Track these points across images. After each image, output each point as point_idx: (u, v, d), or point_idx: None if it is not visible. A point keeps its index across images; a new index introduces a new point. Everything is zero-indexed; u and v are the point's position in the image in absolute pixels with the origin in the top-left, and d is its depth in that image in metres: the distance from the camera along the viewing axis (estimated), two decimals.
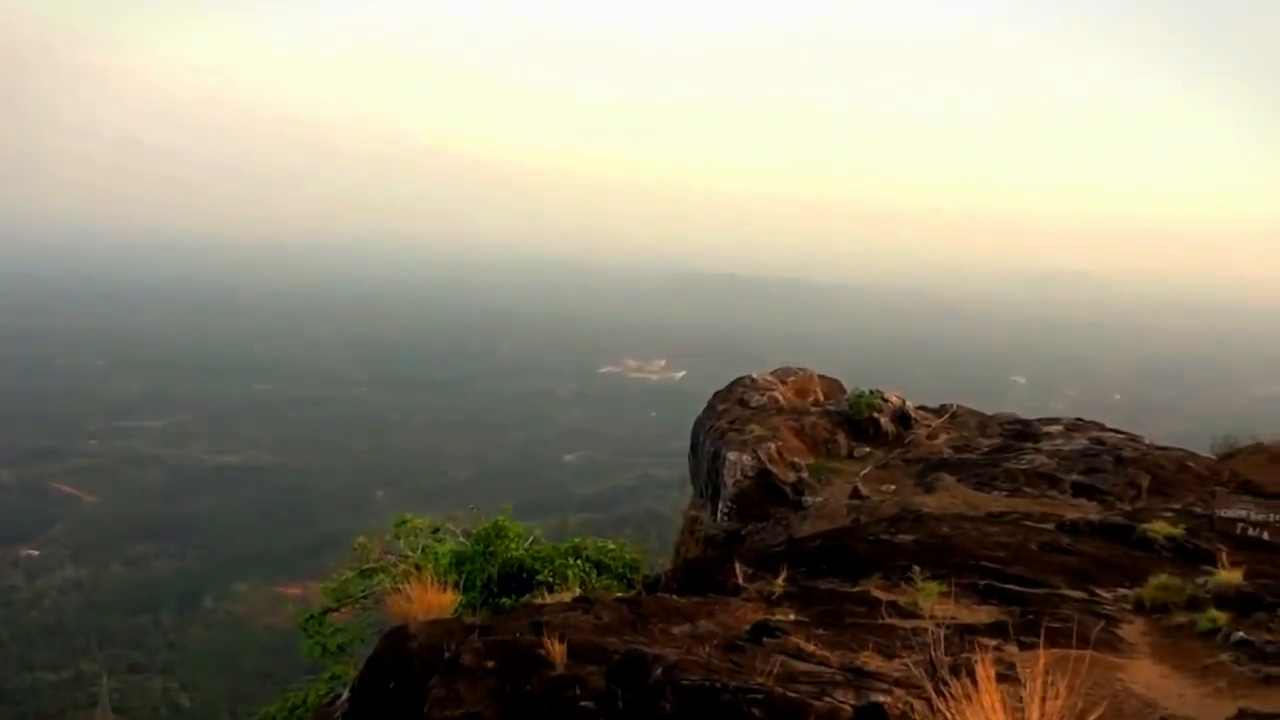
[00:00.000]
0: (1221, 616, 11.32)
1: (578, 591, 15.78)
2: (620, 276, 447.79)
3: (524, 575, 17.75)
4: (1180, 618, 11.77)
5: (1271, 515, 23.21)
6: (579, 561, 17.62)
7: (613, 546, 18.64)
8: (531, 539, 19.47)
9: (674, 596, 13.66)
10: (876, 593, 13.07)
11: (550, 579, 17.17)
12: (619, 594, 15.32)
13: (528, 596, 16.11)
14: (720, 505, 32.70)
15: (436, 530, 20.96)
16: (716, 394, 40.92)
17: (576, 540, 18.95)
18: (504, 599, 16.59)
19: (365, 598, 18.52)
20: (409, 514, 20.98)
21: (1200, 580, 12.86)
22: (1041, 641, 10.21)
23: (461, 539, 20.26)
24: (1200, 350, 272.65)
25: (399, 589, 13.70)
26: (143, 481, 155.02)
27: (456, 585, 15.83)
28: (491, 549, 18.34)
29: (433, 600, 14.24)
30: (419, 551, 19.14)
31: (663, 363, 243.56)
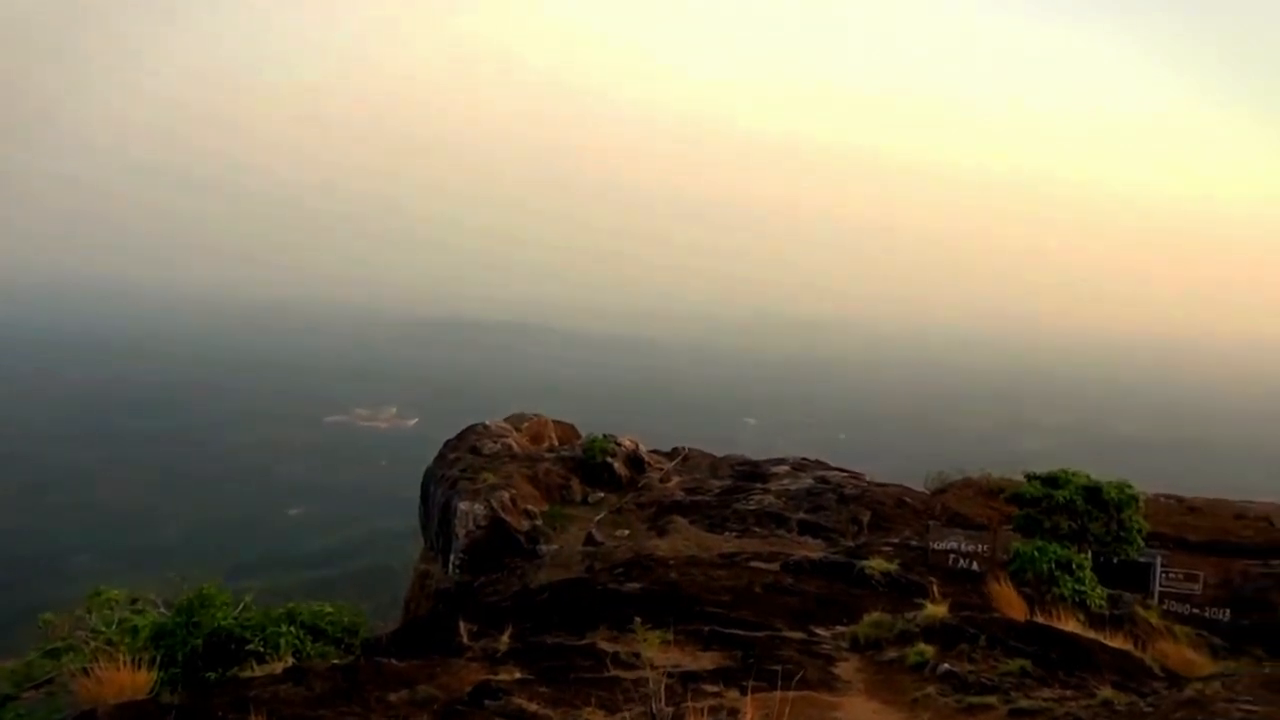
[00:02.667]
0: (929, 650, 11.80)
1: (291, 661, 14.81)
2: (345, 322, 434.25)
3: (232, 646, 16.43)
4: (892, 652, 12.19)
5: (979, 546, 25.02)
6: (292, 628, 16.46)
7: (330, 610, 17.57)
8: (241, 606, 18.09)
9: (393, 660, 13.02)
10: (603, 644, 12.86)
11: (261, 648, 15.95)
12: (335, 661, 14.37)
13: (236, 669, 14.86)
14: (452, 557, 31.93)
15: (135, 601, 19.17)
16: (448, 442, 40.17)
17: (291, 605, 17.72)
18: (209, 673, 15.25)
19: (51, 681, 16.64)
20: (104, 585, 19.13)
21: (910, 615, 13.41)
22: (762, 685, 10.30)
23: (164, 610, 18.62)
24: (921, 388, 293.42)
25: (88, 670, 12.51)
26: None
27: (155, 662, 14.53)
28: (196, 619, 16.87)
29: (125, 681, 13.01)
30: (114, 626, 17.42)
31: (393, 410, 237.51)
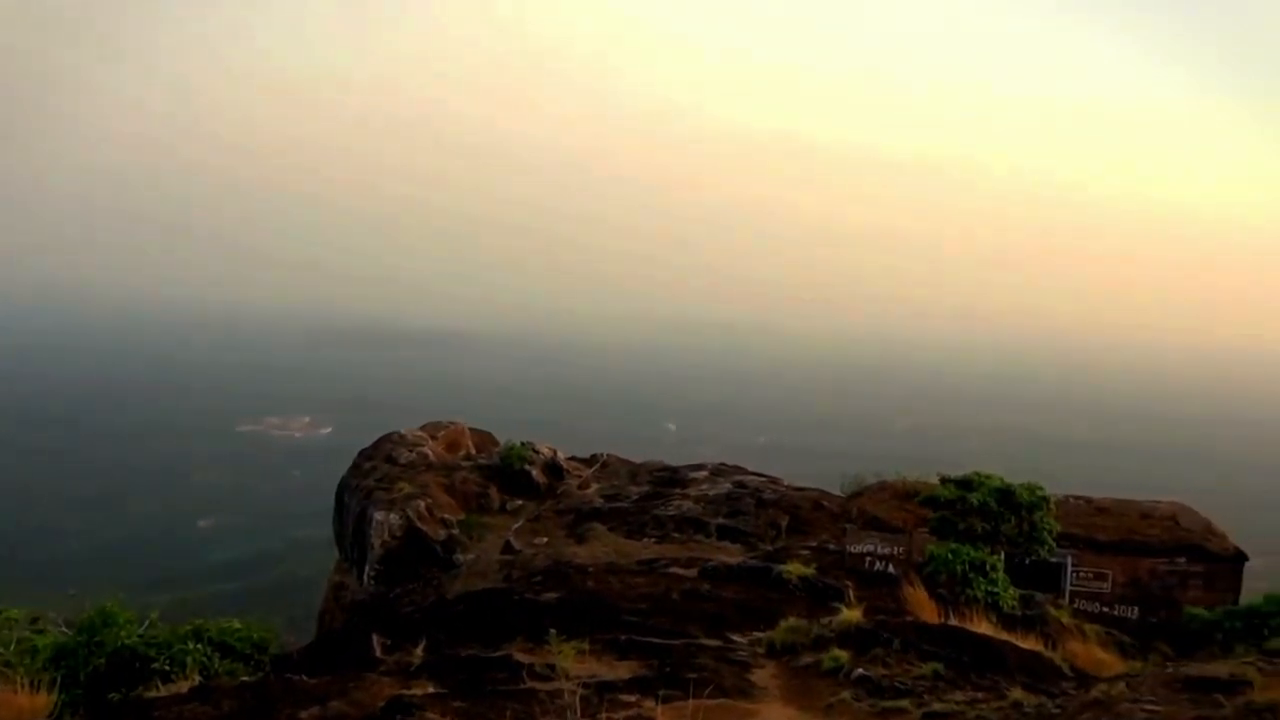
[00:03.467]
0: (844, 655, 11.90)
1: (198, 680, 14.46)
2: (255, 328, 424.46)
3: (137, 665, 15.94)
4: (808, 658, 12.26)
5: (895, 549, 25.39)
6: (200, 645, 16.02)
7: (239, 626, 17.14)
8: (146, 623, 17.58)
9: (305, 677, 12.78)
10: (519, 656, 12.74)
11: (167, 667, 15.51)
12: (244, 679, 14.04)
13: (141, 690, 14.42)
14: (367, 568, 31.59)
15: (35, 620, 18.54)
16: (363, 452, 39.73)
17: (198, 622, 17.24)
18: (113, 694, 14.78)
19: None
20: (2, 605, 18.44)
21: (826, 620, 13.52)
22: (678, 693, 10.28)
23: (65, 629, 18.02)
24: (841, 391, 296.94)
25: None
26: None
27: (55, 683, 14.05)
28: (98, 638, 16.35)
29: (24, 704, 12.73)
30: (12, 647, 16.80)
31: (307, 419, 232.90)
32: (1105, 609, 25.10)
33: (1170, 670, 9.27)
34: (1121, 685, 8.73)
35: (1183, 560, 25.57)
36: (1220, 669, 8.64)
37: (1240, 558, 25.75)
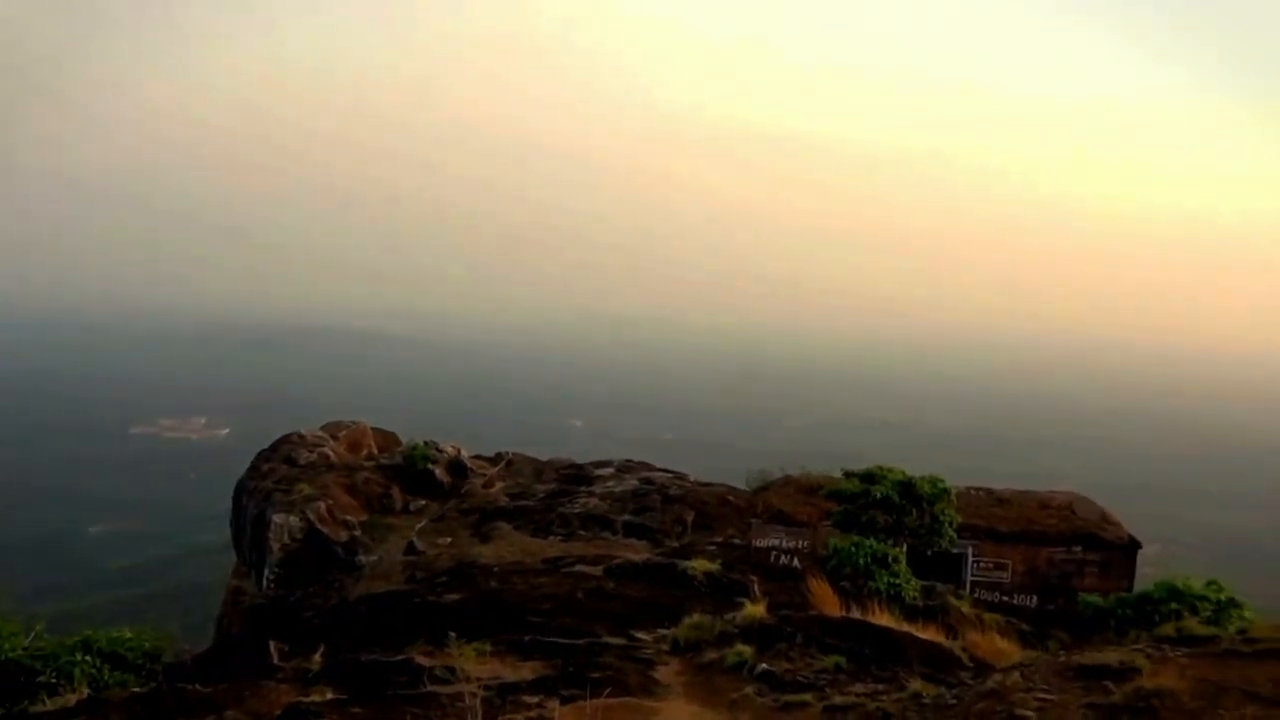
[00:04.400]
0: (747, 650, 11.94)
1: (86, 692, 13.97)
2: (148, 329, 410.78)
3: (22, 678, 15.36)
4: (711, 654, 12.28)
5: (800, 542, 25.72)
6: (88, 657, 15.49)
7: (129, 635, 16.59)
8: (33, 635, 16.93)
9: (198, 686, 12.39)
10: (420, 659, 12.54)
11: (54, 680, 14.97)
12: (136, 689, 13.57)
13: (26, 704, 13.86)
14: (267, 572, 31.02)
15: None
16: (261, 453, 38.97)
17: (88, 632, 16.65)
18: None
19: None
20: None
21: (730, 616, 13.57)
22: (582, 693, 10.21)
23: None
24: (747, 387, 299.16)
25: None
26: None
27: None
28: None
29: None
30: None
31: (203, 420, 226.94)
32: (1005, 598, 25.76)
33: (1063, 659, 9.48)
34: (1016, 675, 8.92)
35: (1079, 549, 26.31)
36: (1111, 656, 8.87)
37: (1134, 545, 26.60)
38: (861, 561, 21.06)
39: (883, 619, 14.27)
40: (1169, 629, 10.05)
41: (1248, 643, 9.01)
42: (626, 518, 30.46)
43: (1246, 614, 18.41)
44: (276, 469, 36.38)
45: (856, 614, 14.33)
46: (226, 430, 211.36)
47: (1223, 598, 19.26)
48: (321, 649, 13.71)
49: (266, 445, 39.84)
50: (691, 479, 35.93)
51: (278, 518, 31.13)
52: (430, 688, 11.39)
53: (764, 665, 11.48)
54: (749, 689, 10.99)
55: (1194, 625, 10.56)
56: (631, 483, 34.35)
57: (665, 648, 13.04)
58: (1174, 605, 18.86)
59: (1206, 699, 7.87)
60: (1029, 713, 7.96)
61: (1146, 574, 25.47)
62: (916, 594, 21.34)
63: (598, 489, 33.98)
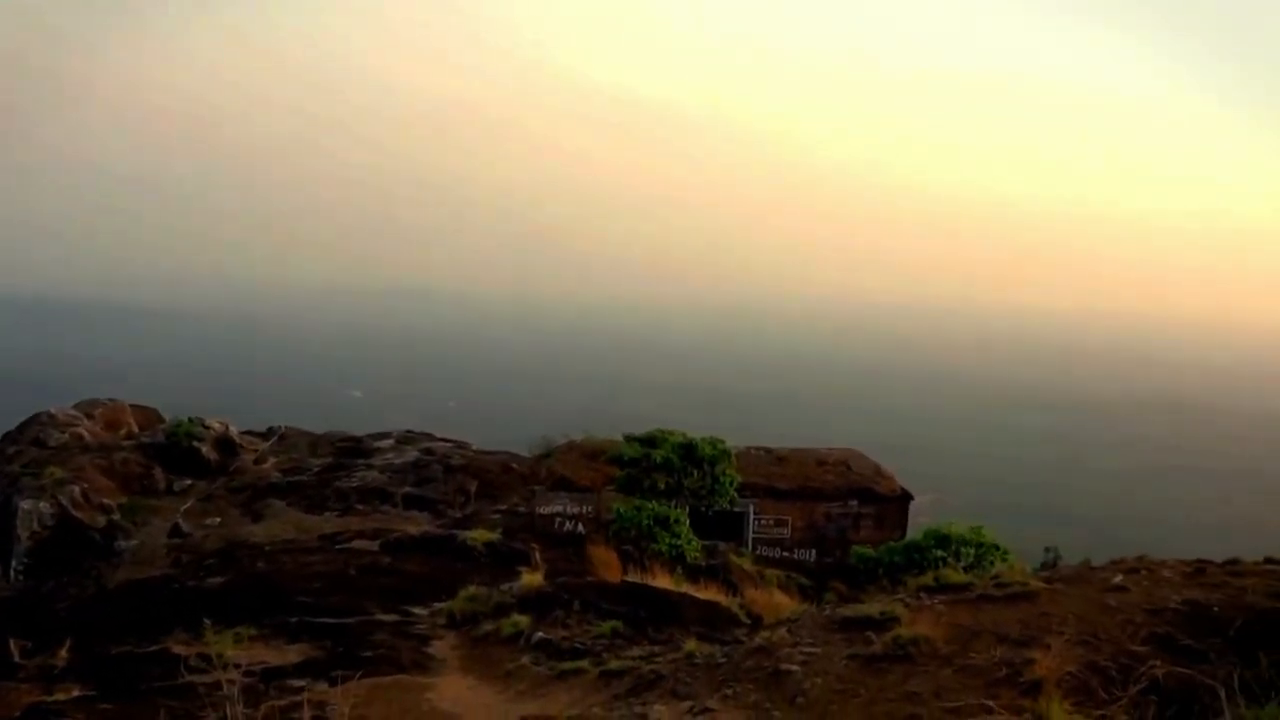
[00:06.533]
0: (524, 620, 11.79)
1: None
2: None
3: None
4: (488, 626, 12.08)
5: (584, 508, 25.80)
6: None
7: None
8: None
9: None
10: (178, 649, 11.81)
11: None
12: None
13: None
14: (14, 563, 28.80)
15: None
16: (7, 435, 36.03)
17: None
18: None
19: None
20: None
21: (507, 586, 13.40)
22: (352, 673, 9.81)
23: None
24: (530, 354, 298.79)
25: None
26: None
27: None
28: None
29: None
30: None
31: None
32: (786, 553, 26.67)
33: (829, 612, 9.76)
34: (783, 630, 9.10)
35: (854, 503, 27.50)
36: (873, 608, 9.17)
37: (906, 497, 28.04)
38: (644, 524, 21.28)
39: (663, 581, 14.42)
40: (928, 579, 10.49)
41: (999, 587, 9.46)
42: (407, 490, 29.85)
43: (1010, 558, 19.56)
44: (24, 451, 33.78)
45: (637, 577, 14.41)
46: None
47: (985, 541, 20.45)
48: (68, 644, 12.85)
49: (12, 427, 36.87)
50: (474, 448, 35.51)
51: (25, 504, 28.91)
52: (188, 678, 10.75)
53: (540, 634, 11.36)
54: (525, 659, 10.85)
55: (951, 574, 11.04)
56: (412, 454, 33.68)
57: (441, 622, 12.76)
58: (939, 552, 19.82)
59: (960, 643, 8.20)
60: (794, 666, 8.12)
61: (921, 523, 26.78)
62: (699, 554, 21.74)
63: (376, 461, 33.18)
